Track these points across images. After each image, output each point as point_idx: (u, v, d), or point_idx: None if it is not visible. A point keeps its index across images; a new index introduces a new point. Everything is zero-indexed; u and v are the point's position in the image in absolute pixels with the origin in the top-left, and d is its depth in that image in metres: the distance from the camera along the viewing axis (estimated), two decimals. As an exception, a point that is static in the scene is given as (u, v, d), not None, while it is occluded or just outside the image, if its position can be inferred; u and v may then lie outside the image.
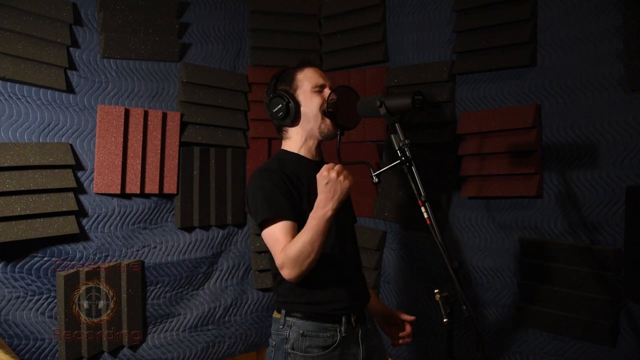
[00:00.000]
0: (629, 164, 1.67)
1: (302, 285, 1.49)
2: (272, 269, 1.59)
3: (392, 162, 1.37)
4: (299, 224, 1.46)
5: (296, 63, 1.64)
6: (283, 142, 1.66)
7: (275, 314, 1.59)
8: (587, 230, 1.77)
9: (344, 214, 1.57)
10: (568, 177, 1.81)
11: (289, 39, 2.60)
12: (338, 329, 1.51)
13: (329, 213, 1.35)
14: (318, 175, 1.38)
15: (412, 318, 1.71)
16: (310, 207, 1.42)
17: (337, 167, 1.37)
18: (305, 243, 1.37)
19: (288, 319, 1.53)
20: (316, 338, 1.49)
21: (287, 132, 1.63)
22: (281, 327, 1.54)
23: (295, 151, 1.61)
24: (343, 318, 1.52)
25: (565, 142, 1.82)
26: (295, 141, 1.61)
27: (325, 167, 1.37)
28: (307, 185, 1.53)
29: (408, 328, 1.71)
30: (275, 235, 1.45)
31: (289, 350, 1.49)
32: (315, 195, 1.41)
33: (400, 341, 1.70)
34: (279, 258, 1.43)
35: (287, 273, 1.41)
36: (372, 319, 1.68)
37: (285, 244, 1.42)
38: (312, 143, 1.61)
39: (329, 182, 1.35)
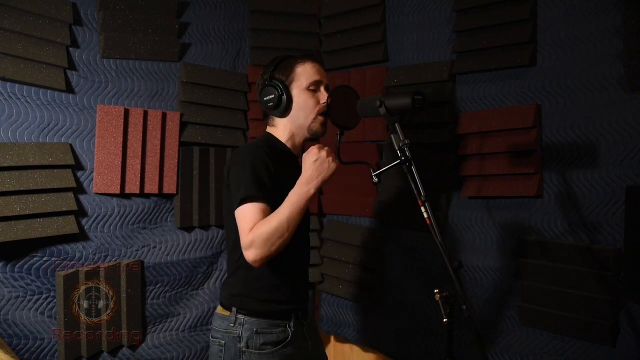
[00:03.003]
0: (629, 164, 1.67)
1: (260, 280, 1.50)
2: (231, 254, 1.57)
3: (392, 162, 1.37)
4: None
5: (300, 53, 1.63)
6: (268, 127, 1.65)
7: (223, 311, 1.56)
8: (587, 230, 1.77)
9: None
10: (568, 177, 1.81)
11: (289, 39, 2.60)
12: (288, 325, 1.55)
13: (312, 191, 1.36)
14: (306, 154, 1.39)
15: None
16: (283, 198, 1.41)
17: (327, 148, 1.38)
18: (282, 220, 1.35)
19: (240, 316, 1.51)
20: (269, 335, 1.51)
21: (273, 120, 1.63)
22: (232, 325, 1.51)
23: (283, 141, 1.61)
24: (293, 315, 1.57)
25: (565, 142, 1.82)
26: (282, 133, 1.61)
27: (315, 146, 1.38)
28: (286, 179, 1.50)
29: None
30: (250, 214, 1.40)
31: (244, 349, 1.48)
32: (290, 189, 1.42)
33: None
34: (247, 237, 1.38)
35: (253, 254, 1.36)
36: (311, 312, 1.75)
37: (256, 223, 1.38)
38: (298, 140, 1.62)
39: (318, 160, 1.36)
